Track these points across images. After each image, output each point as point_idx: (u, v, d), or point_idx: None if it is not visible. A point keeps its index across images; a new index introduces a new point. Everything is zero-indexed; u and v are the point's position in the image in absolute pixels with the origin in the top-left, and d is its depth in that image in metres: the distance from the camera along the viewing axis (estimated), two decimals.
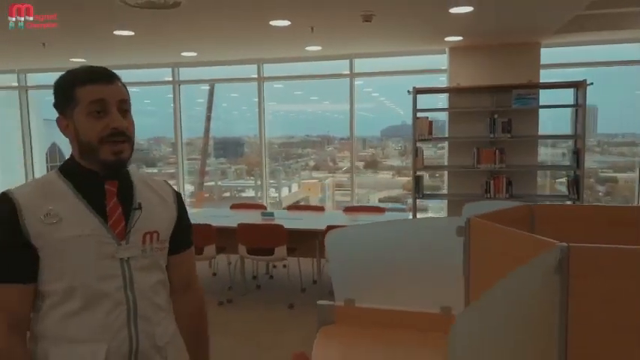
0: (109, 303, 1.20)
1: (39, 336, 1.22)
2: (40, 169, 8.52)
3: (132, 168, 1.34)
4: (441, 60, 6.41)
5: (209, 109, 8.45)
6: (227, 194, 9.02)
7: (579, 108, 5.60)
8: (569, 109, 6.03)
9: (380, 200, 8.28)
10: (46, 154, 9.58)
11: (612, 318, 1.56)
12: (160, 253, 1.32)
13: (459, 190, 6.18)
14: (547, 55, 6.09)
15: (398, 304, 2.05)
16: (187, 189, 8.53)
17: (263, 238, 4.50)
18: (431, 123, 6.06)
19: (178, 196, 1.42)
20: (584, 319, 1.68)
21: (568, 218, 2.40)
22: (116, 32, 5.03)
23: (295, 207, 5.98)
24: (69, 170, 1.24)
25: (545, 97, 5.97)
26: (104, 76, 1.19)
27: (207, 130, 8.60)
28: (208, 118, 8.51)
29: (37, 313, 1.21)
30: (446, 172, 6.46)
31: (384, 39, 5.67)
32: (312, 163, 9.35)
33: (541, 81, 5.93)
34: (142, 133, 9.08)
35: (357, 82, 7.13)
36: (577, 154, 5.63)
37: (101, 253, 1.19)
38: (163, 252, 1.33)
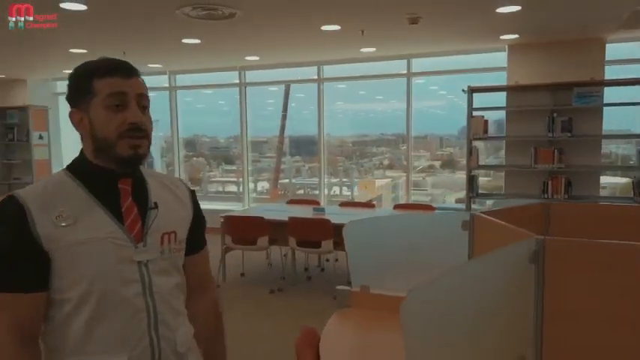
0: (128, 310, 1.13)
1: (53, 350, 1.13)
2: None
3: (143, 167, 1.27)
4: (501, 58, 6.32)
5: (284, 108, 8.64)
6: (301, 191, 9.12)
7: None
8: None
9: (457, 201, 8.12)
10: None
11: (585, 306, 1.64)
12: (178, 255, 1.24)
13: (516, 191, 6.07)
14: (614, 51, 5.83)
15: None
16: (261, 186, 8.96)
17: (311, 232, 4.76)
18: (486, 122, 6.01)
19: (193, 194, 1.35)
20: (559, 306, 1.80)
21: (584, 217, 2.44)
22: (184, 40, 5.50)
23: (348, 204, 6.19)
24: (79, 169, 1.17)
25: (612, 94, 5.73)
26: (124, 70, 1.13)
27: (282, 128, 8.79)
28: (284, 117, 8.69)
29: (51, 324, 1.12)
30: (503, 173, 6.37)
31: (435, 40, 5.73)
32: (386, 162, 9.23)
33: (606, 78, 5.70)
34: (220, 132, 9.61)
35: (419, 80, 7.21)
36: None
37: (118, 256, 1.12)
38: (181, 253, 1.26)
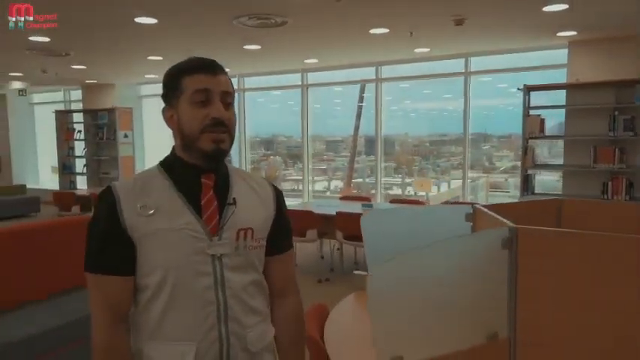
0: (198, 302, 1.16)
1: (135, 332, 1.20)
2: None
3: (231, 165, 1.32)
4: (563, 55, 6.15)
5: (359, 107, 8.74)
6: (373, 191, 9.15)
7: None
8: None
9: None
10: None
11: (555, 290, 1.81)
12: (255, 252, 1.25)
13: (575, 191, 5.91)
14: None
15: None
16: (335, 185, 9.16)
17: (357, 226, 4.98)
18: (543, 121, 5.91)
19: (278, 196, 1.35)
20: (531, 291, 2.00)
21: (596, 214, 2.51)
22: (245, 47, 5.95)
23: (398, 200, 6.34)
24: (169, 164, 1.23)
25: None
26: (210, 67, 1.18)
27: (356, 128, 8.91)
28: (358, 116, 8.79)
29: (136, 307, 1.19)
30: (561, 172, 6.21)
31: (483, 39, 5.73)
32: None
33: None
34: (295, 132, 9.74)
35: (486, 78, 7.17)
36: None
37: (193, 248, 1.15)
38: (258, 251, 1.26)
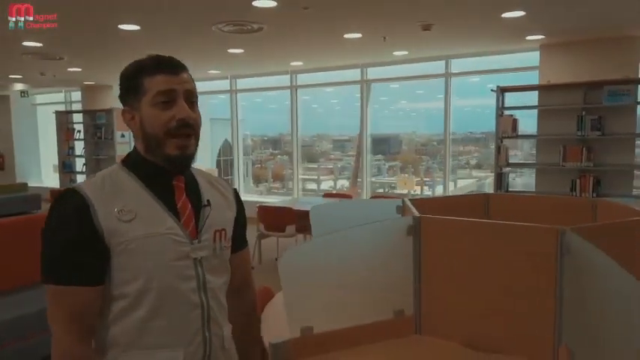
0: (185, 306, 1.14)
1: (107, 345, 1.12)
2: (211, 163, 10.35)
3: (192, 167, 1.29)
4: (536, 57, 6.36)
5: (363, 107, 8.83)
6: (380, 190, 9.10)
7: None
8: None
9: None
10: (220, 150, 11.50)
11: (450, 269, 2.07)
12: (227, 252, 1.26)
13: (547, 188, 6.11)
14: None
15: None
16: (341, 184, 9.25)
17: None
18: (515, 121, 6.13)
19: (236, 194, 1.36)
20: (432, 271, 2.28)
21: (517, 205, 2.77)
22: (229, 50, 6.22)
23: (379, 195, 6.59)
24: (133, 164, 1.17)
25: None
26: (172, 66, 1.14)
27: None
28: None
29: (105, 319, 1.12)
30: (534, 170, 6.42)
31: (457, 42, 5.97)
32: (473, 162, 9.03)
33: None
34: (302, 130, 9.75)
35: (474, 79, 7.39)
36: None
37: (177, 252, 1.13)
38: (229, 251, 1.27)
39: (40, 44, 5.68)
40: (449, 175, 7.56)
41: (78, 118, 10.84)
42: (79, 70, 7.98)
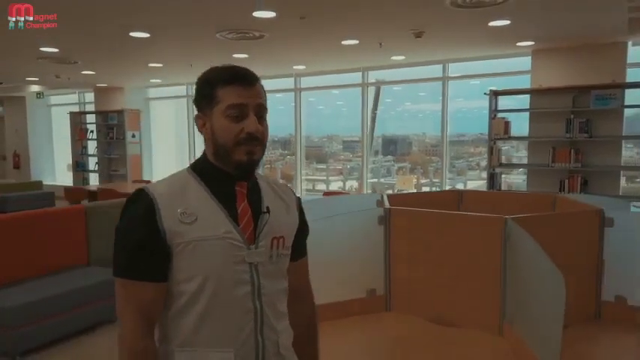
0: (238, 310, 1.16)
1: (165, 338, 1.19)
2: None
3: (257, 172, 1.31)
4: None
5: (374, 108, 8.87)
6: (389, 191, 9.11)
7: None
8: None
9: None
10: None
11: (416, 253, 2.40)
12: (285, 260, 1.26)
13: (537, 188, 6.35)
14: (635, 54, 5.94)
15: None
16: (349, 185, 9.38)
17: None
18: (507, 123, 6.38)
19: (299, 202, 1.37)
20: (400, 254, 2.62)
21: (488, 200, 3.07)
22: (234, 55, 6.54)
23: None
24: (201, 169, 1.22)
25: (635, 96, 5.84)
26: (246, 79, 1.18)
27: (371, 129, 9.05)
28: (373, 118, 8.95)
29: (165, 315, 1.18)
30: (519, 170, 6.66)
31: (450, 48, 6.25)
32: (483, 163, 8.64)
33: (629, 80, 5.82)
34: (313, 131, 9.96)
35: (475, 81, 7.65)
36: None
37: (233, 256, 1.16)
38: (287, 259, 1.28)
39: (57, 49, 6.04)
40: (446, 175, 7.82)
41: (91, 118, 11.26)
42: (93, 73, 8.36)
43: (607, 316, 2.24)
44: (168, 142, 11.23)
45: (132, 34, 5.19)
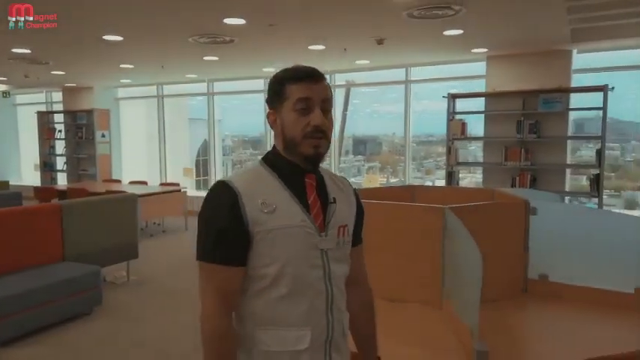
0: (312, 291, 1.26)
1: (244, 318, 1.27)
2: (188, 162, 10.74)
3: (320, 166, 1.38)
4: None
5: (345, 109, 9.20)
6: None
7: (602, 111, 5.91)
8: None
9: None
10: (199, 149, 11.90)
11: (370, 240, 2.65)
12: (348, 246, 1.36)
13: (491, 185, 6.79)
14: (583, 60, 6.46)
15: None
16: None
17: None
18: (464, 124, 6.81)
19: (356, 193, 1.46)
20: (372, 243, 2.89)
21: (437, 195, 3.41)
22: (205, 58, 6.75)
23: None
24: (273, 161, 1.30)
25: (581, 100, 6.36)
26: (312, 75, 1.25)
27: (341, 129, 9.33)
28: (343, 118, 9.25)
29: (245, 297, 1.26)
30: (478, 168, 7.12)
31: (411, 53, 6.64)
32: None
33: (574, 85, 6.33)
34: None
35: (443, 84, 8.03)
36: (599, 154, 5.96)
37: (308, 243, 1.25)
38: (349, 245, 1.37)
39: (29, 50, 6.13)
40: (410, 174, 8.22)
41: (59, 118, 11.22)
42: (62, 73, 8.41)
43: (532, 291, 2.60)
44: (139, 142, 11.31)
45: (105, 37, 5.35)
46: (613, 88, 5.80)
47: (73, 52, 6.35)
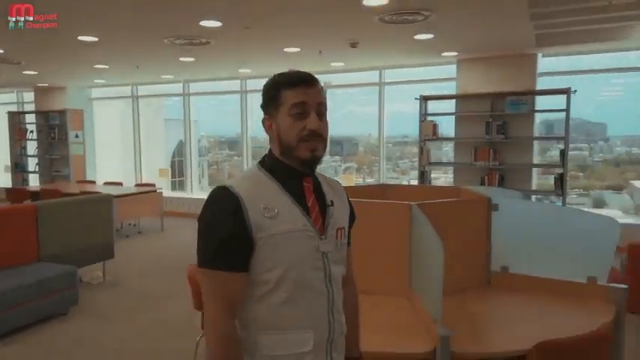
0: (314, 293, 1.27)
1: (247, 324, 1.27)
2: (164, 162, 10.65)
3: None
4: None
5: None
6: None
7: (565, 113, 6.18)
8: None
9: None
10: (174, 150, 11.82)
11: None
12: (344, 248, 1.39)
13: (462, 184, 7.01)
14: (548, 64, 6.74)
15: None
16: None
17: None
18: (435, 125, 7.02)
19: (347, 195, 1.48)
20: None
21: (407, 192, 3.56)
22: (181, 59, 6.79)
23: None
24: (270, 166, 1.31)
25: (548, 102, 6.63)
26: (307, 80, 1.26)
27: None
28: None
29: (247, 302, 1.26)
30: (451, 168, 7.35)
31: (384, 56, 6.81)
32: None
33: (539, 88, 6.60)
34: (261, 132, 10.23)
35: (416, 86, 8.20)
36: (562, 154, 6.24)
37: (310, 246, 1.26)
38: (346, 247, 1.40)
39: (2, 50, 6.07)
40: (384, 174, 8.39)
41: (30, 118, 11.03)
42: (35, 73, 8.31)
43: (495, 282, 2.76)
44: (113, 142, 11.22)
45: (80, 38, 5.36)
46: (575, 91, 6.07)
47: (47, 52, 6.31)
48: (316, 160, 1.28)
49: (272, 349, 1.25)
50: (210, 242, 1.22)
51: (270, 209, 1.22)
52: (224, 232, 1.20)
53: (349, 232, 1.45)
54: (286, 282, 1.24)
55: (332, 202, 1.34)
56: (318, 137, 1.26)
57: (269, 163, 1.31)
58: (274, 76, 1.31)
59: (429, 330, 2.08)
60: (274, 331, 1.25)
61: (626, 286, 2.43)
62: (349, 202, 1.46)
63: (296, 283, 1.24)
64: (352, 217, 1.46)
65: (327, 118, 1.32)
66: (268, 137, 1.33)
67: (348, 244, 1.44)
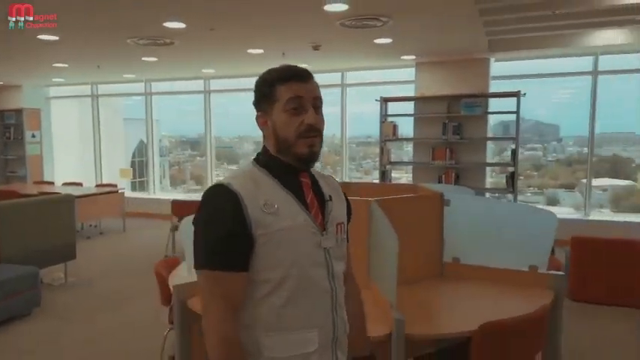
0: (318, 291, 1.24)
1: (248, 326, 1.22)
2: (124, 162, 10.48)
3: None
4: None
5: None
6: None
7: (516, 114, 6.53)
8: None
9: None
10: (135, 150, 11.66)
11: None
12: (344, 243, 1.35)
13: (420, 182, 7.28)
14: (501, 68, 7.10)
15: None
16: None
17: None
18: (395, 126, 7.27)
19: (343, 190, 1.46)
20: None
21: (369, 190, 3.74)
22: (144, 58, 6.78)
23: None
24: (266, 162, 1.27)
25: (501, 104, 6.98)
26: (301, 74, 1.24)
27: None
28: None
29: (249, 302, 1.22)
30: (411, 167, 7.63)
31: (345, 59, 7.01)
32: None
33: (492, 91, 6.95)
34: (224, 132, 10.07)
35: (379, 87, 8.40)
36: (513, 154, 6.60)
37: (311, 242, 1.23)
38: (346, 242, 1.37)
39: None
40: (347, 173, 8.60)
41: None
42: None
43: (447, 273, 2.97)
44: (71, 142, 10.98)
45: (40, 36, 5.29)
46: (525, 94, 6.43)
47: (2, 50, 6.18)
48: (314, 155, 1.25)
49: (275, 351, 1.21)
50: (208, 242, 1.18)
51: (270, 205, 1.19)
52: (223, 230, 1.15)
53: (348, 228, 1.42)
54: (289, 280, 1.20)
55: (330, 197, 1.32)
56: (316, 132, 1.23)
57: (264, 160, 1.28)
58: (267, 71, 1.28)
59: (385, 315, 2.26)
60: (277, 332, 1.21)
61: (563, 273, 2.69)
62: (346, 196, 1.44)
63: (299, 281, 1.21)
64: (349, 212, 1.44)
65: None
66: (262, 134, 1.31)
67: (347, 239, 1.40)
